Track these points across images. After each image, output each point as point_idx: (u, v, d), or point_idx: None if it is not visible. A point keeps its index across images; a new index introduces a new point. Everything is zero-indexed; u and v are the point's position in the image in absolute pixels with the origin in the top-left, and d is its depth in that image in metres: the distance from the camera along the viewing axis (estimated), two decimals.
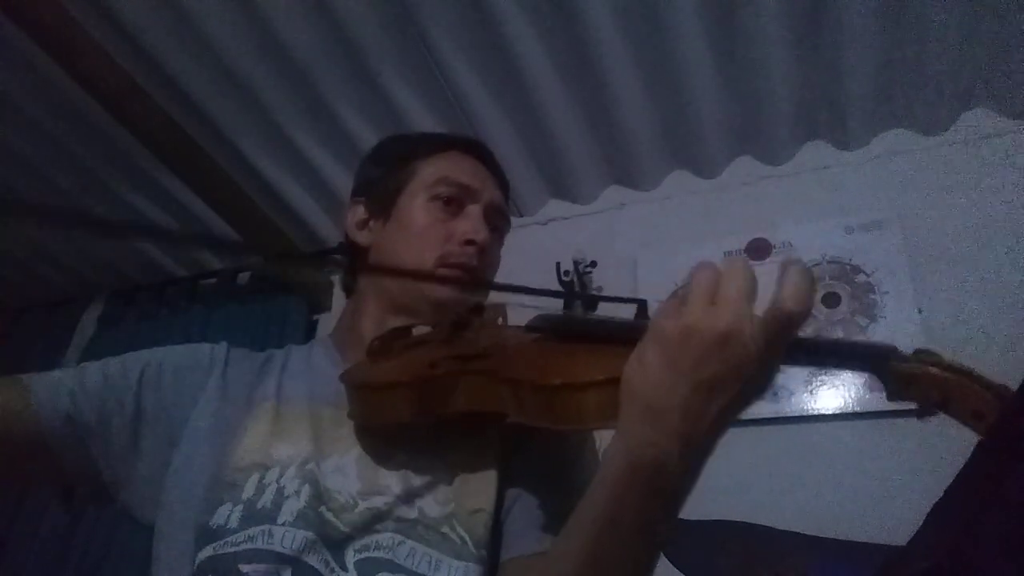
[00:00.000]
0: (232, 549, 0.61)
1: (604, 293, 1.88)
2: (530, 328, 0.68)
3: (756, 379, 0.47)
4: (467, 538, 0.64)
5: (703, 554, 1.44)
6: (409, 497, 0.66)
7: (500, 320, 0.76)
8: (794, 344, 0.47)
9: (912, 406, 0.45)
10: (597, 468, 0.53)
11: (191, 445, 0.70)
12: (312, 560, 0.60)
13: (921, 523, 0.41)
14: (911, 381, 0.45)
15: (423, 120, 1.87)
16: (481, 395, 0.62)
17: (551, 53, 1.71)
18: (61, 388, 0.69)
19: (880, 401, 1.51)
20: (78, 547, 2.09)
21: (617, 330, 0.57)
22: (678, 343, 0.47)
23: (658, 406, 0.47)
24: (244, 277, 2.45)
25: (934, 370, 0.44)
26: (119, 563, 2.00)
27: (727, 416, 0.48)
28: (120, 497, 0.71)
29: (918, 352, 0.47)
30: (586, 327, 0.63)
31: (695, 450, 0.48)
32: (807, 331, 0.48)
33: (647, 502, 0.49)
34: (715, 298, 0.47)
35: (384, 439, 0.69)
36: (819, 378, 1.61)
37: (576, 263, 1.87)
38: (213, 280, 2.50)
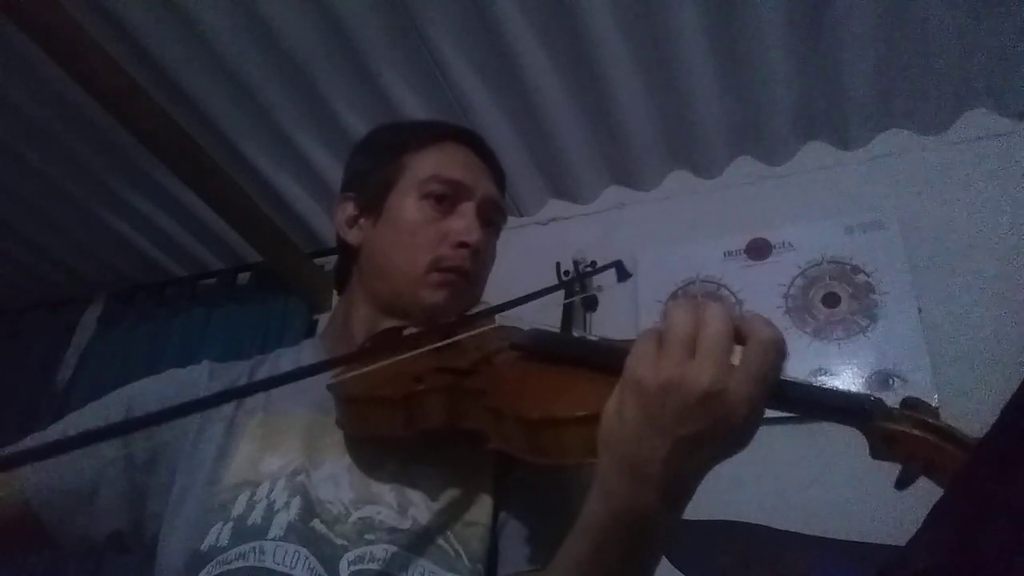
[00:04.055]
0: (223, 568, 0.60)
1: (604, 293, 1.88)
2: (520, 346, 0.66)
3: (740, 430, 0.45)
4: (461, 551, 0.62)
5: (703, 554, 1.43)
6: (403, 507, 0.64)
7: (490, 327, 0.74)
8: (779, 392, 0.46)
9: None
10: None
11: (187, 474, 0.69)
12: (305, 574, 0.59)
13: (921, 523, 0.41)
14: (893, 441, 0.44)
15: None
16: (465, 415, 0.61)
17: (551, 53, 1.71)
18: (46, 466, 0.67)
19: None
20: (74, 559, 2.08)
21: (609, 356, 0.54)
22: (658, 398, 0.45)
23: (638, 461, 0.46)
24: (244, 277, 2.45)
25: (917, 432, 0.44)
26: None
27: (709, 465, 0.47)
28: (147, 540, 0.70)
29: (905, 402, 0.46)
30: (578, 351, 0.61)
31: (676, 501, 0.48)
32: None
33: (630, 548, 0.49)
34: (694, 349, 0.45)
35: (375, 448, 0.68)
36: (819, 378, 1.61)
37: (576, 263, 1.87)
38: (213, 280, 2.49)
